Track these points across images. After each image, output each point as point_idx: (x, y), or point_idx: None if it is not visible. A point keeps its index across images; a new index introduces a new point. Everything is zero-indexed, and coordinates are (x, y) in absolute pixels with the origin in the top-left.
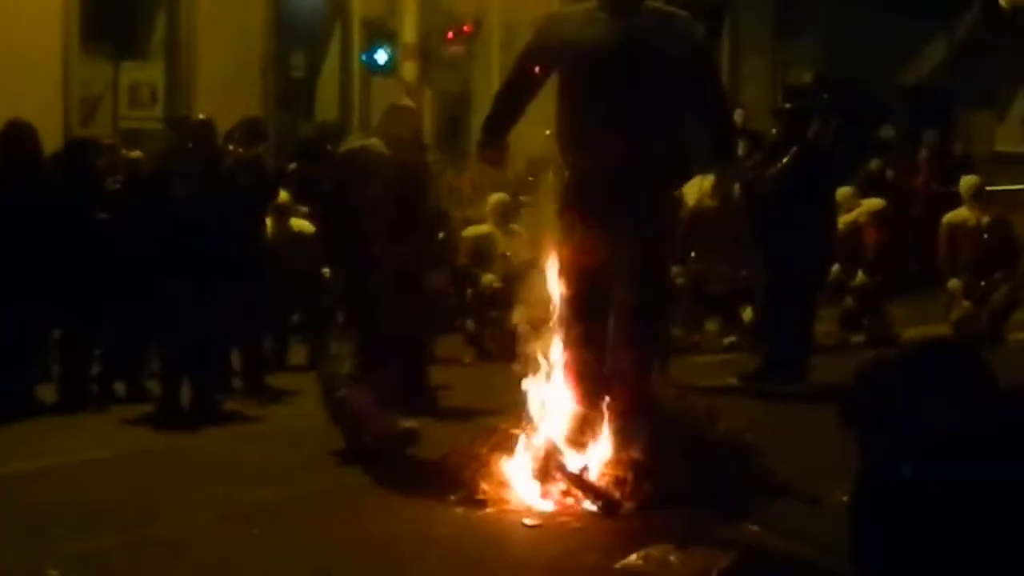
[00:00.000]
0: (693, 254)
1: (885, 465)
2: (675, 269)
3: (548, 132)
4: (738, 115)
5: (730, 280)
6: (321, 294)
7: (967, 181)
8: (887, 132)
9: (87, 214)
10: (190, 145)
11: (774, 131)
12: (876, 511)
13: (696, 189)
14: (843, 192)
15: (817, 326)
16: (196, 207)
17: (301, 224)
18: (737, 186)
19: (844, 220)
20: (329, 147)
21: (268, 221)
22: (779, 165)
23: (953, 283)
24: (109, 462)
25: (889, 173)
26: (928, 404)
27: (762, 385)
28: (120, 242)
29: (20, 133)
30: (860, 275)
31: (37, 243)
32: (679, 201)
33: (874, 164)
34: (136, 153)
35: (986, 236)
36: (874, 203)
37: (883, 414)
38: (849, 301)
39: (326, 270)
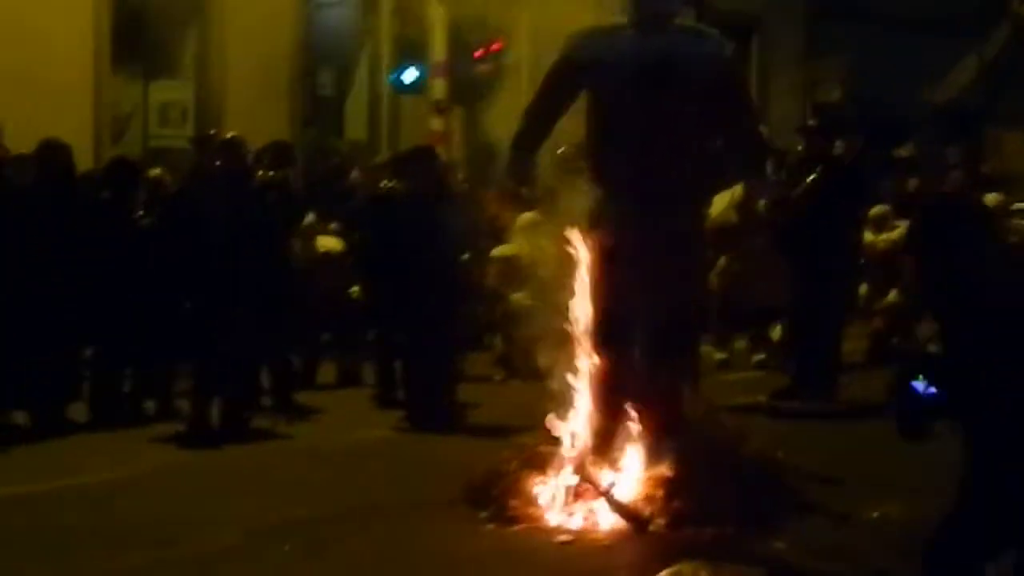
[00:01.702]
0: (721, 264)
1: None
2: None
3: (560, 150)
4: (764, 132)
5: (758, 298)
6: (349, 313)
7: (989, 199)
8: (908, 150)
9: (123, 234)
10: (218, 163)
11: (799, 148)
12: None
13: (724, 202)
14: (880, 210)
15: (846, 344)
16: (223, 225)
17: (327, 243)
18: (763, 202)
19: (887, 238)
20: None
21: (294, 242)
22: (805, 183)
23: None
24: (139, 480)
25: (912, 183)
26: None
27: (791, 403)
28: (148, 260)
29: (54, 152)
30: (893, 294)
31: (70, 262)
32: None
33: (908, 184)
34: (157, 171)
35: None
36: None
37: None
38: (879, 321)
39: (355, 288)
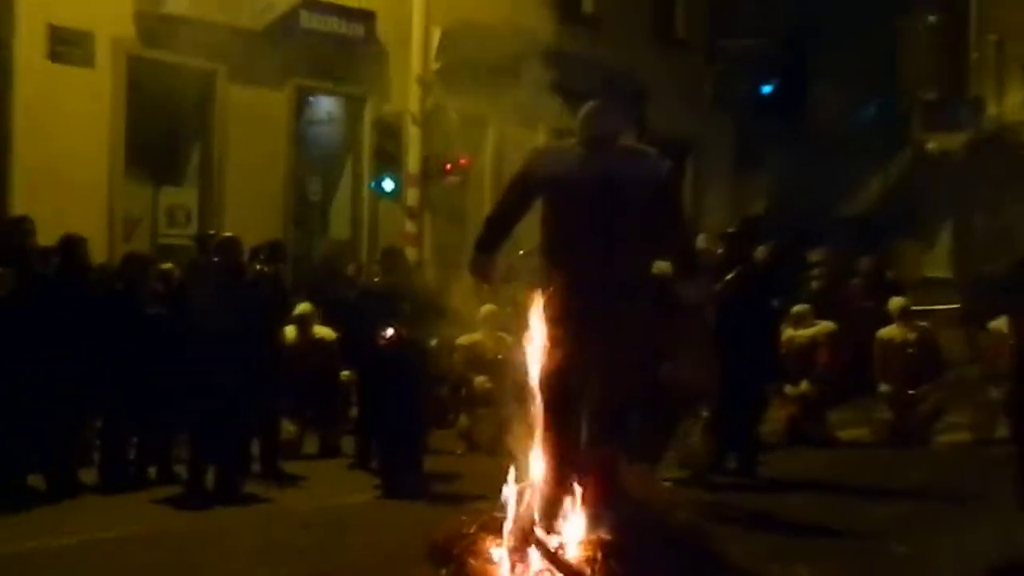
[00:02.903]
0: None
1: None
2: None
3: (520, 252)
4: (702, 240)
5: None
6: (336, 392)
7: (895, 303)
8: (820, 255)
9: (133, 320)
10: (215, 259)
11: (719, 252)
12: None
13: None
14: (801, 309)
15: (766, 427)
16: (217, 314)
17: (321, 331)
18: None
19: (804, 334)
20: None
21: (291, 328)
22: (724, 281)
23: (883, 387)
24: (141, 538)
25: (818, 286)
26: None
27: (715, 478)
28: (154, 343)
29: (75, 246)
30: (805, 384)
31: (84, 343)
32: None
33: (815, 284)
34: (168, 265)
35: (910, 351)
36: (828, 325)
37: None
38: (793, 407)
39: (346, 372)
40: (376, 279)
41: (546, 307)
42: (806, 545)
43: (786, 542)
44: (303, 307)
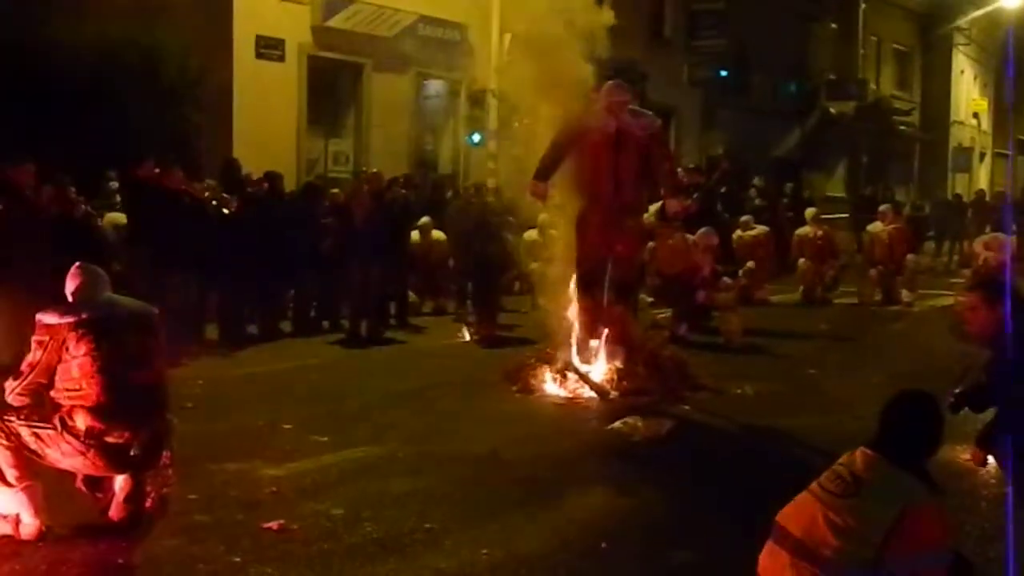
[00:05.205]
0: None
1: None
2: None
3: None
4: (680, 172)
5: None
6: (444, 274)
7: (809, 211)
8: (759, 181)
9: (313, 226)
10: (365, 187)
11: (685, 179)
12: None
13: (651, 212)
14: (747, 217)
15: (721, 296)
16: (369, 223)
17: (437, 235)
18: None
19: (749, 234)
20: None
21: (416, 234)
22: (693, 198)
23: (802, 263)
24: (321, 366)
25: (759, 203)
26: None
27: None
28: (323, 244)
29: (275, 178)
30: (751, 263)
31: (284, 240)
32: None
33: (757, 201)
34: (336, 191)
35: (819, 243)
36: (764, 228)
37: None
38: (744, 279)
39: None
40: (469, 202)
41: (579, 219)
42: (750, 368)
43: (737, 367)
44: (424, 220)
